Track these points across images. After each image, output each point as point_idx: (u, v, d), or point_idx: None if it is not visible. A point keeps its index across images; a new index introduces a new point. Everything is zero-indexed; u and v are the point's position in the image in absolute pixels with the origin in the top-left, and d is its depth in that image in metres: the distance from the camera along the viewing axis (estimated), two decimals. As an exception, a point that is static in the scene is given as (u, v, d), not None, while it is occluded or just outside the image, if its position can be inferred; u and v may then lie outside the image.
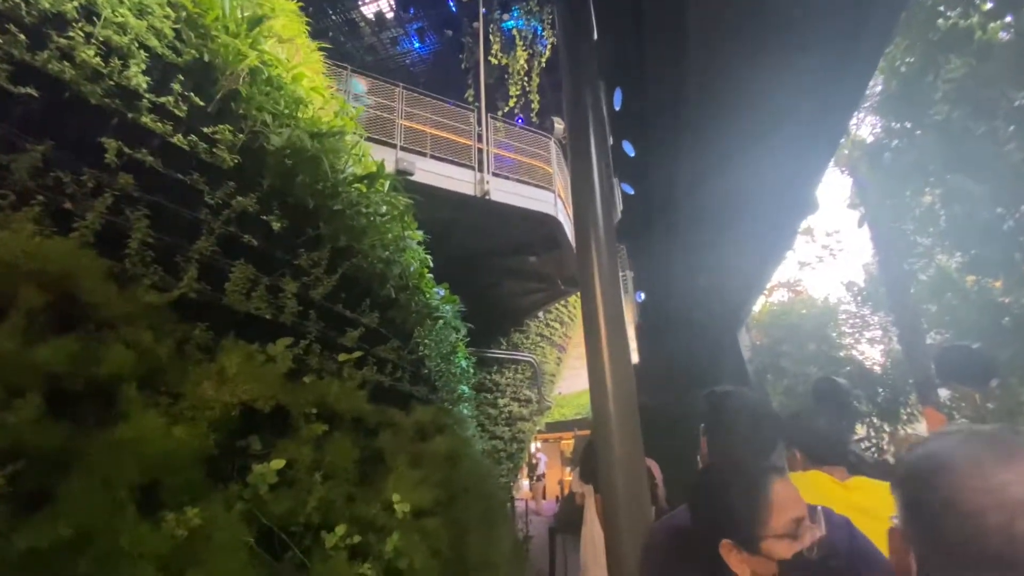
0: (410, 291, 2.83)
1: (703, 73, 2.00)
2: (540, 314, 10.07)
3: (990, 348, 5.09)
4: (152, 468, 0.99)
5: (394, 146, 5.49)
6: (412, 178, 5.28)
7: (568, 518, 6.12)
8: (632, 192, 3.73)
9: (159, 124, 1.74)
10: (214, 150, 1.93)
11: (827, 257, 11.46)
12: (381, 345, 2.46)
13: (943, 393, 6.37)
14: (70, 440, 0.91)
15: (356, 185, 2.49)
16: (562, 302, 10.06)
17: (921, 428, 6.89)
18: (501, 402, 9.34)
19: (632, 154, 3.09)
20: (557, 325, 10.41)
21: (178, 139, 1.82)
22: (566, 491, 10.38)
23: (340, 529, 1.33)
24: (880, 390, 7.22)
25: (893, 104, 4.92)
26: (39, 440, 0.84)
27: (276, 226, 2.01)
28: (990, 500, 0.45)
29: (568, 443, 16.54)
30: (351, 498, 1.50)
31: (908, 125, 4.80)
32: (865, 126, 6.80)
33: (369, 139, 4.97)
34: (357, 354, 1.79)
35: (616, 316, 1.62)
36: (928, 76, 4.22)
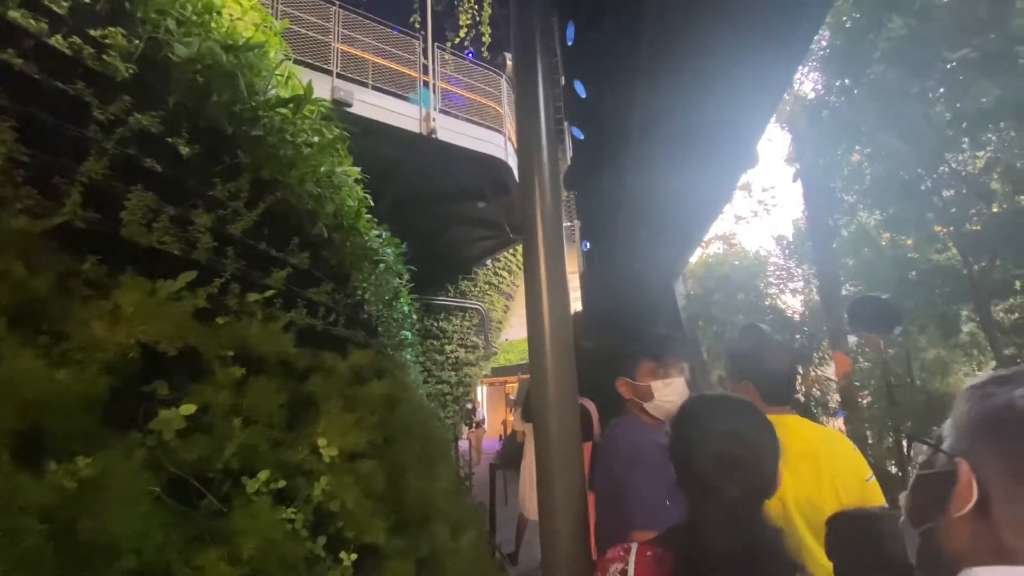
0: (345, 231, 2.67)
1: (659, 12, 1.91)
2: (489, 262, 10.04)
3: (897, 300, 5.60)
4: (30, 414, 0.88)
5: (330, 72, 5.03)
6: (351, 110, 4.90)
7: (510, 455, 6.39)
8: (582, 138, 3.63)
9: (31, 21, 1.46)
10: (104, 57, 1.66)
11: (762, 212, 12.03)
12: (313, 287, 2.32)
13: (852, 340, 7.03)
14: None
15: (280, 110, 2.25)
16: (511, 250, 10.06)
17: (830, 371, 7.62)
18: (448, 348, 9.44)
19: (583, 95, 2.98)
20: (505, 274, 10.45)
21: (56, 41, 1.54)
22: (509, 431, 10.81)
23: (263, 474, 1.27)
24: (797, 336, 7.84)
25: (835, 61, 5.02)
26: None
27: (185, 151, 1.79)
28: None
29: (513, 386, 17.09)
30: (277, 443, 1.43)
31: (847, 82, 4.93)
32: (808, 82, 6.96)
33: (300, 62, 4.51)
34: (270, 292, 1.67)
35: (557, 262, 1.59)
36: (870, 34, 4.30)
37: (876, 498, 1.34)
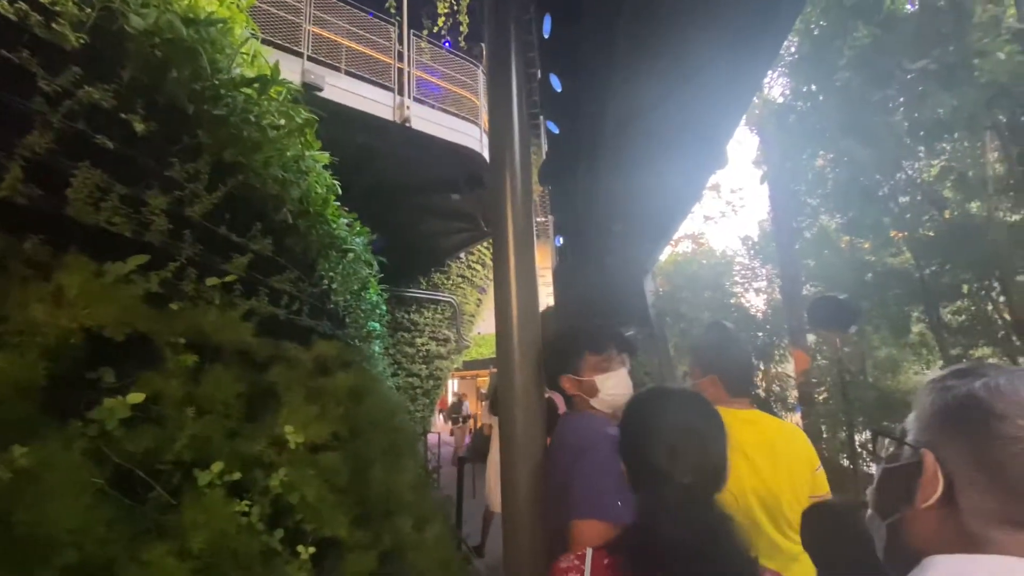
0: (312, 218, 2.60)
1: (636, 8, 1.91)
2: (462, 255, 9.98)
3: (854, 300, 5.84)
4: (-43, 403, 0.82)
5: (300, 55, 4.88)
6: (322, 94, 4.77)
7: (478, 448, 6.39)
8: (557, 132, 3.63)
9: (-33, -20, 1.35)
10: (52, 25, 1.56)
11: (730, 212, 12.32)
12: (276, 275, 2.25)
13: (811, 338, 7.30)
14: None
15: (244, 90, 2.17)
16: (485, 244, 10.01)
17: (790, 368, 7.90)
18: (419, 341, 9.36)
19: (559, 89, 2.97)
20: (479, 267, 10.41)
21: (1, 5, 1.44)
22: (478, 424, 10.83)
23: (216, 466, 1.23)
24: (760, 334, 8.10)
25: (803, 66, 5.16)
26: None
27: (140, 128, 1.70)
28: None
29: (484, 380, 17.10)
30: (233, 434, 1.39)
31: (814, 88, 5.08)
32: (778, 86, 7.14)
33: (269, 43, 4.36)
34: (229, 278, 1.61)
35: (526, 255, 1.59)
36: (837, 41, 4.44)
37: (823, 486, 1.43)
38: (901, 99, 4.50)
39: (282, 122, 2.52)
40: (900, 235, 6.10)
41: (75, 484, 0.90)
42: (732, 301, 9.66)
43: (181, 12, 1.96)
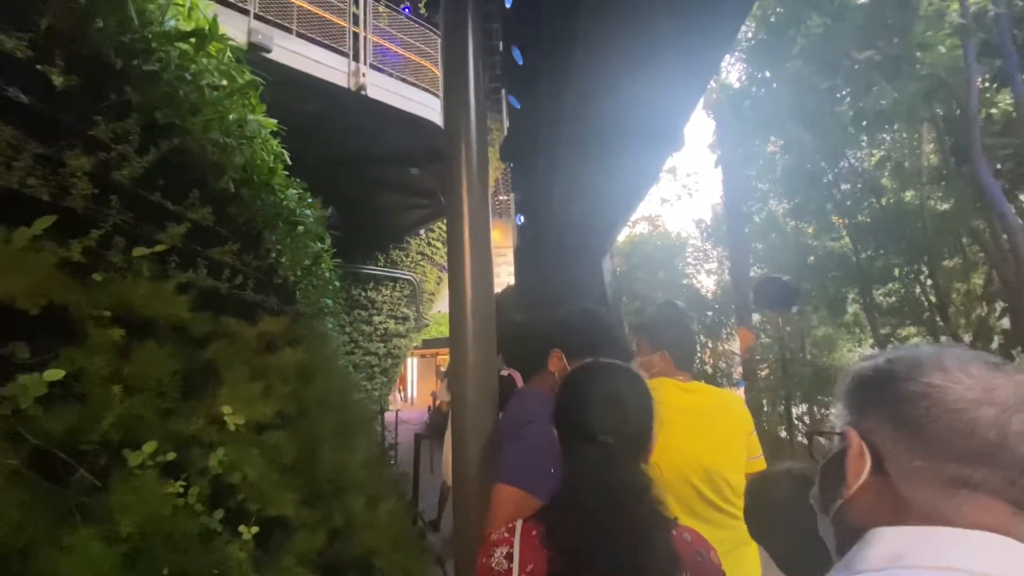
0: (256, 187, 2.46)
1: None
2: (422, 232, 9.79)
3: (796, 282, 6.16)
4: None
5: (247, 12, 4.56)
6: (270, 56, 4.49)
7: (436, 426, 6.38)
8: (519, 107, 3.57)
9: None
10: (-53, -43, 1.37)
11: (685, 196, 12.65)
12: (217, 247, 2.13)
13: (755, 317, 7.67)
14: None
15: (179, 44, 2.00)
16: (445, 221, 9.82)
17: (735, 345, 8.30)
18: (377, 319, 9.19)
19: (520, 62, 2.91)
20: (439, 245, 10.25)
21: None
22: (437, 403, 10.85)
23: (148, 446, 1.16)
24: (709, 313, 8.43)
25: (759, 53, 5.28)
26: None
27: (59, 81, 1.54)
28: (984, 397, 0.47)
29: (444, 359, 17.08)
30: (168, 413, 1.31)
31: (768, 75, 5.22)
32: (735, 71, 7.29)
33: (211, -2, 4.04)
34: (160, 247, 1.51)
35: (481, 232, 1.56)
36: (791, 29, 4.56)
37: (756, 448, 1.54)
38: (847, 89, 4.69)
39: (223, 83, 2.36)
40: (841, 221, 6.45)
41: (-19, 468, 0.83)
42: (684, 282, 9.99)
43: (103, -47, 1.77)
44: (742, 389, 7.39)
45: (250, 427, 1.51)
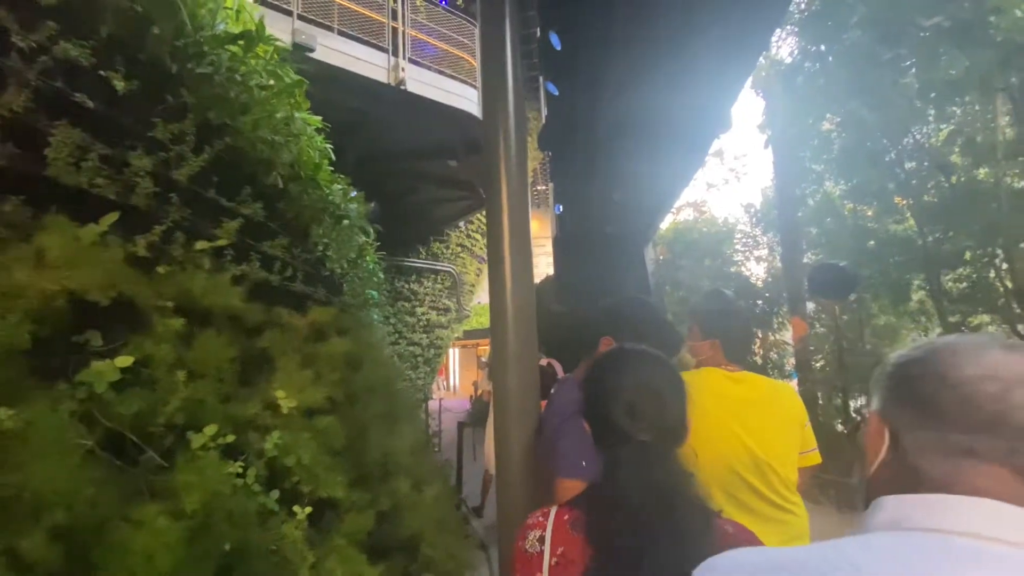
0: (303, 182, 2.54)
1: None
2: (461, 224, 9.89)
3: (854, 268, 5.81)
4: (-64, 364, 0.80)
5: (290, 13, 4.69)
6: (314, 55, 4.61)
7: (478, 414, 6.46)
8: (557, 94, 3.51)
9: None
10: (23, -24, 1.47)
11: (733, 179, 12.12)
12: (268, 240, 2.22)
13: (809, 306, 7.31)
14: None
15: (229, 47, 2.08)
16: (484, 212, 9.86)
17: (788, 336, 7.94)
18: (420, 310, 9.39)
19: (558, 47, 2.85)
20: (479, 236, 10.33)
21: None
22: (479, 392, 10.97)
23: (210, 429, 1.23)
24: (759, 302, 8.10)
25: (813, 25, 4.97)
26: None
27: (120, 86, 1.63)
28: (988, 374, 0.51)
29: (484, 349, 17.26)
30: (226, 398, 1.38)
31: (823, 48, 4.90)
32: (786, 46, 6.90)
33: (259, 1, 4.18)
34: (220, 242, 1.58)
35: (520, 222, 1.55)
36: (849, -2, 4.26)
37: (811, 441, 1.46)
38: (913, 59, 4.34)
39: (271, 82, 2.44)
40: (905, 202, 6.02)
41: (63, 446, 0.90)
42: (732, 269, 9.64)
43: (158, -38, 1.86)
44: (795, 381, 7.08)
45: (302, 412, 1.58)
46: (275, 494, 1.32)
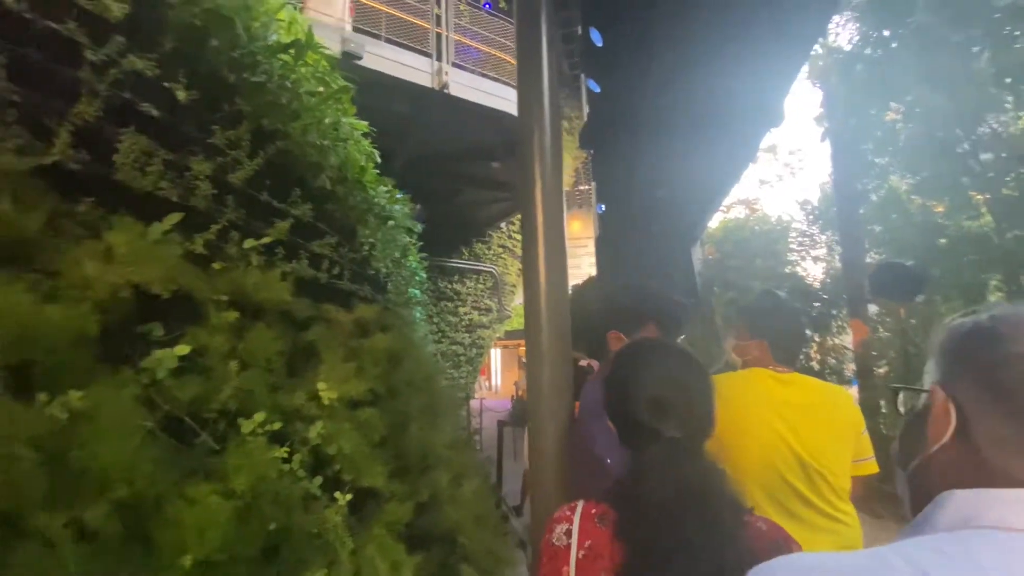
0: (350, 184, 2.64)
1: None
2: (503, 225, 9.97)
3: (922, 267, 5.40)
4: (21, 347, 0.89)
5: (339, 23, 4.88)
6: (361, 63, 4.78)
7: (518, 414, 6.48)
8: (598, 91, 3.48)
9: (18, -44, 1.41)
10: (97, -4, 1.61)
11: (787, 175, 11.55)
12: (317, 240, 2.32)
13: (872, 308, 6.86)
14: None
15: (281, 56, 2.19)
16: (523, 212, 9.87)
17: (848, 340, 7.48)
18: (462, 310, 9.53)
19: (600, 44, 2.82)
20: (520, 237, 10.35)
21: (48, -22, 1.50)
22: (519, 392, 10.98)
23: (259, 416, 1.30)
24: (816, 304, 7.68)
25: (874, 9, 4.67)
26: None
27: (182, 96, 1.75)
28: None
29: (524, 349, 17.27)
30: (275, 387, 1.46)
31: (886, 33, 4.60)
32: (845, 33, 6.51)
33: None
34: (267, 239, 1.66)
35: (555, 222, 1.54)
36: (915, -23, 3.97)
37: (867, 449, 1.38)
38: (986, 42, 3.99)
39: (319, 89, 2.55)
40: (981, 196, 5.55)
41: (126, 426, 0.98)
42: (787, 270, 9.20)
43: (217, -21, 1.98)
44: (855, 388, 6.67)
45: (345, 403, 1.64)
46: (318, 480, 1.38)
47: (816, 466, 1.27)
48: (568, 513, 0.82)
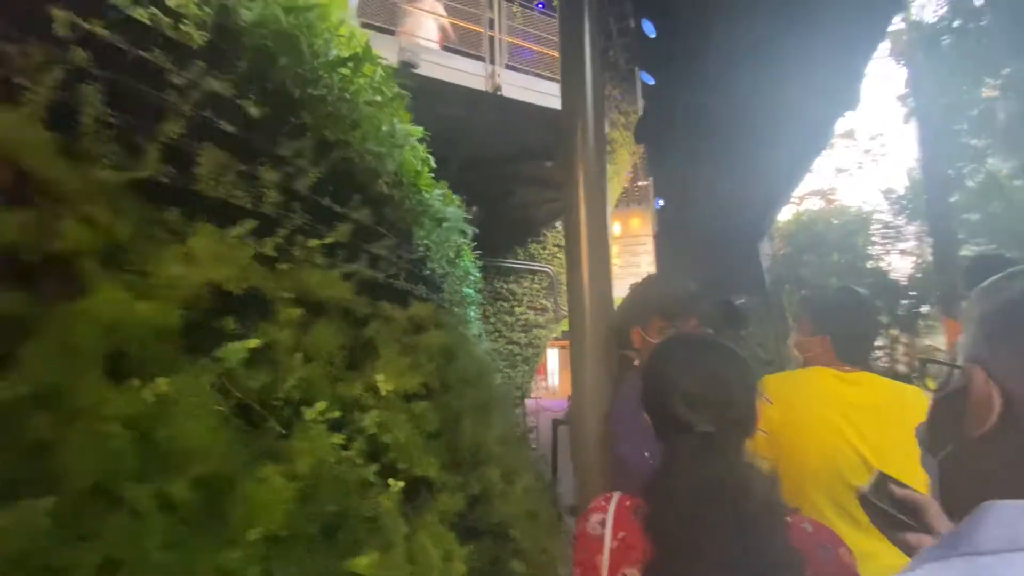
0: (405, 188, 2.75)
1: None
2: (557, 224, 9.92)
3: (1027, 258, 4.82)
4: (116, 338, 1.02)
5: (395, 33, 5.09)
6: (418, 71, 4.95)
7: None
8: (653, 83, 3.40)
9: (115, -6, 1.60)
10: (180, 26, 1.79)
11: (868, 163, 10.66)
12: (376, 242, 2.44)
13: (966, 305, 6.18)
14: (30, 308, 0.93)
15: (340, 70, 2.32)
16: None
17: (940, 340, 6.80)
18: (518, 310, 9.59)
19: (653, 35, 2.76)
20: (576, 236, 10.24)
21: (138, 13, 1.68)
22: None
23: (320, 405, 1.40)
24: (903, 301, 7.04)
25: (966, -25, 4.22)
26: (-7, 305, 0.85)
27: (253, 112, 1.91)
28: None
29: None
30: (335, 379, 1.56)
31: (977, 2, 4.15)
32: (929, 4, 5.93)
33: (368, 26, 4.60)
34: (328, 240, 1.77)
35: (598, 219, 1.54)
36: (1014, -65, 3.55)
37: None
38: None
39: (376, 98, 2.68)
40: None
41: (204, 410, 1.09)
42: (869, 264, 8.49)
43: (283, 2, 2.14)
44: (948, 393, 6.04)
45: (399, 395, 1.71)
46: (374, 468, 1.46)
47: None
48: (603, 503, 0.83)
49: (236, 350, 1.25)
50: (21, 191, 1.09)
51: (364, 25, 4.49)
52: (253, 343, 1.32)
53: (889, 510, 0.77)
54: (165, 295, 1.16)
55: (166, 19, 1.75)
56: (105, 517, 0.91)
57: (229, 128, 1.81)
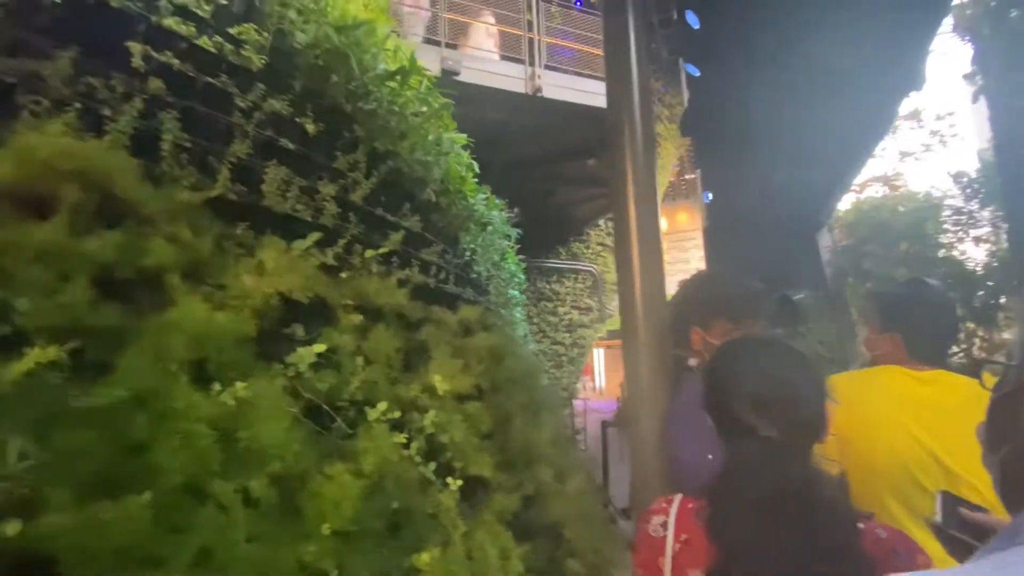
0: (451, 195, 2.82)
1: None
2: (601, 222, 9.81)
3: None
4: (199, 346, 1.11)
5: (438, 43, 5.20)
6: (459, 78, 5.04)
7: (624, 413, 6.34)
8: (698, 74, 3.32)
9: (182, 26, 1.73)
10: (241, 51, 1.92)
11: (936, 145, 9.90)
12: (425, 249, 2.51)
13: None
14: (123, 320, 1.03)
15: (388, 83, 2.41)
16: (624, 208, 9.64)
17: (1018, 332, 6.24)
18: (562, 310, 9.55)
19: (697, 26, 2.70)
20: (620, 234, 10.08)
21: (204, 41, 1.82)
22: (625, 393, 10.70)
23: (382, 406, 1.46)
24: (978, 293, 6.50)
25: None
26: (94, 320, 0.95)
27: (311, 129, 2.02)
28: None
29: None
30: (394, 381, 1.62)
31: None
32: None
33: (431, 42, 4.72)
34: (383, 249, 1.85)
35: (648, 214, 1.52)
36: None
37: None
38: None
39: (423, 109, 2.76)
40: None
41: (278, 412, 1.16)
42: (940, 254, 7.89)
43: (333, 22, 2.25)
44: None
45: (454, 396, 1.76)
46: (432, 466, 1.51)
47: (964, 475, 1.10)
48: (665, 505, 0.83)
49: (305, 355, 1.33)
50: (110, 214, 1.21)
51: (427, 41, 4.60)
52: (319, 348, 1.39)
53: (962, 537, 0.74)
54: (240, 305, 1.25)
55: (229, 46, 1.89)
56: (195, 511, 0.99)
57: (289, 145, 1.92)
